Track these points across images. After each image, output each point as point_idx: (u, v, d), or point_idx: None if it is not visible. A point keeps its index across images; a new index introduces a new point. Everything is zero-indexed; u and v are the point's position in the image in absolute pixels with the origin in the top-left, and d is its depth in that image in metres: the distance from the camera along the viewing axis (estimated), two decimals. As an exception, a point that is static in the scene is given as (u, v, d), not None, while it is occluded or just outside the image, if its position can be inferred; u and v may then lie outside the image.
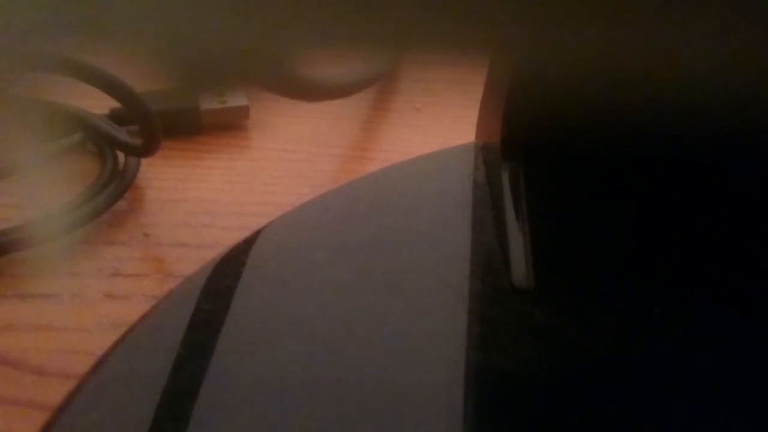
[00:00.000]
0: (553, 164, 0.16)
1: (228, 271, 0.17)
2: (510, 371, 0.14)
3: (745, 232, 0.16)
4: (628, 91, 0.12)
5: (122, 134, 0.25)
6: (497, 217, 0.16)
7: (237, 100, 0.28)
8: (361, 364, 0.14)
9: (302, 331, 0.15)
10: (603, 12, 0.09)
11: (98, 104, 0.26)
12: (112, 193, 0.23)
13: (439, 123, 0.30)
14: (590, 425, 0.13)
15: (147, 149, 0.24)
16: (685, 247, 0.15)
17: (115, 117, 0.26)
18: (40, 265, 0.21)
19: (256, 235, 0.19)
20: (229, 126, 0.28)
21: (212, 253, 0.19)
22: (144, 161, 0.25)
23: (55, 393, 0.16)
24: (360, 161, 0.28)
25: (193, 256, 0.22)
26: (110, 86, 0.22)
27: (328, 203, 0.20)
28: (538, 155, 0.16)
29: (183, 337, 0.15)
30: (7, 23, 0.08)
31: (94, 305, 0.20)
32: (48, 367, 0.18)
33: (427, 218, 0.18)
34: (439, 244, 0.17)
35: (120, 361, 0.16)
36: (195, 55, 0.09)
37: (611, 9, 0.09)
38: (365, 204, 0.19)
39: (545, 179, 0.16)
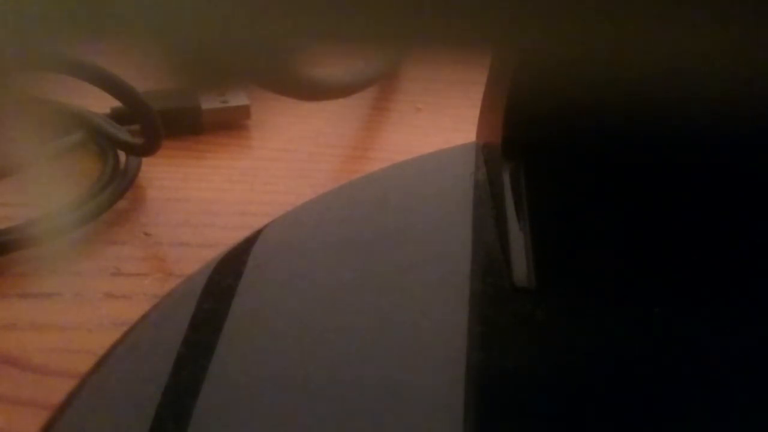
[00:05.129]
0: (554, 164, 0.16)
1: (229, 270, 0.17)
2: (511, 370, 0.14)
3: (745, 232, 0.16)
4: (629, 91, 0.12)
5: (123, 133, 0.25)
6: (498, 217, 0.16)
7: (238, 99, 0.28)
8: (362, 363, 0.14)
9: (303, 331, 0.15)
10: (604, 12, 0.09)
11: (99, 103, 0.26)
12: (113, 193, 0.23)
13: (439, 123, 0.30)
14: (591, 425, 0.13)
15: (148, 148, 0.24)
16: (686, 247, 0.15)
17: (116, 116, 0.26)
18: (42, 264, 0.21)
19: (257, 234, 0.19)
20: (230, 125, 0.28)
21: (213, 253, 0.19)
22: (145, 161, 0.25)
23: (57, 392, 0.16)
24: (361, 161, 0.28)
25: (194, 256, 0.22)
26: (112, 85, 0.22)
27: (328, 203, 0.20)
28: (539, 155, 0.16)
29: (184, 336, 0.15)
30: (9, 22, 0.08)
31: (96, 304, 0.20)
32: (49, 366, 0.18)
33: (427, 218, 0.18)
34: (440, 243, 0.17)
35: (121, 360, 0.16)
36: (196, 54, 0.09)
37: (612, 9, 0.09)
38: (366, 204, 0.19)
39: (546, 179, 0.16)
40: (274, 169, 0.26)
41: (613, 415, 0.13)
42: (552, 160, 0.16)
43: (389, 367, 0.14)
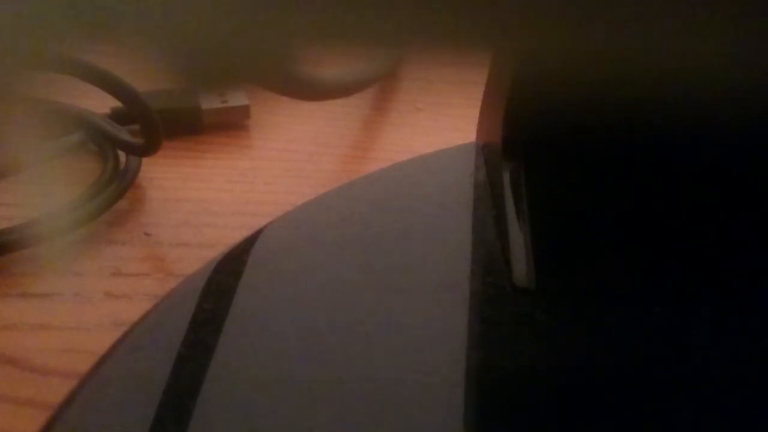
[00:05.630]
0: (553, 164, 0.16)
1: (229, 270, 0.17)
2: (510, 370, 0.14)
3: (745, 231, 0.16)
4: (629, 91, 0.12)
5: (123, 134, 0.25)
6: (498, 217, 0.16)
7: (238, 99, 0.28)
8: (362, 363, 0.14)
9: (303, 331, 0.15)
10: (604, 12, 0.09)
11: (99, 104, 0.26)
12: (113, 193, 0.23)
13: (439, 123, 0.30)
14: (590, 425, 0.13)
15: (148, 149, 0.24)
16: (686, 247, 0.15)
17: (116, 116, 0.26)
18: (42, 264, 0.21)
19: (257, 234, 0.19)
20: (230, 125, 0.28)
21: (213, 253, 0.19)
22: (145, 161, 0.25)
23: (56, 392, 0.16)
24: (361, 161, 0.28)
25: (194, 256, 0.22)
26: (111, 86, 0.22)
27: (328, 203, 0.20)
28: (539, 155, 0.16)
29: (184, 336, 0.15)
30: (10, 22, 0.08)
31: (96, 304, 0.20)
32: (49, 366, 0.18)
33: (428, 218, 0.18)
34: (440, 243, 0.17)
35: (121, 360, 0.16)
36: (197, 54, 0.09)
37: (612, 9, 0.09)
38: (366, 204, 0.19)
39: (546, 179, 0.16)
40: (274, 169, 0.26)
41: (613, 415, 0.13)
42: (552, 160, 0.16)
43: (389, 367, 0.14)
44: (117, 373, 0.16)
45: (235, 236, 0.19)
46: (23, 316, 0.20)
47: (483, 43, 0.09)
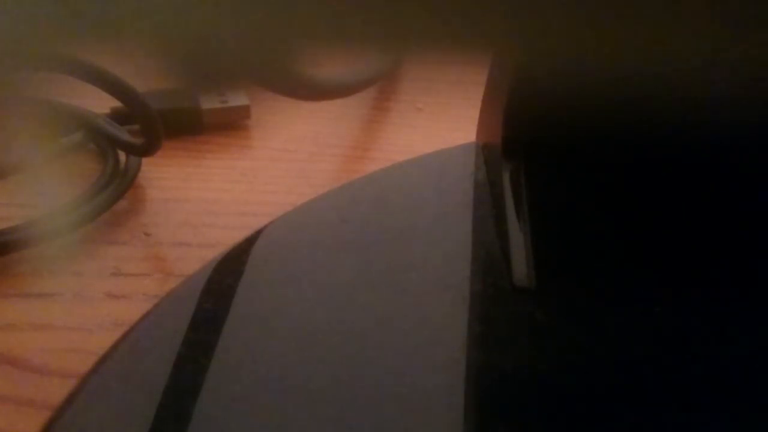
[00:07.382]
0: (554, 164, 0.16)
1: (229, 270, 0.17)
2: (510, 371, 0.14)
3: (745, 231, 0.16)
4: (629, 91, 0.12)
5: (123, 134, 0.25)
6: (498, 217, 0.16)
7: (238, 99, 0.28)
8: (362, 363, 0.14)
9: (303, 331, 0.15)
10: (604, 12, 0.09)
11: (99, 103, 0.26)
12: (114, 193, 0.23)
13: (439, 123, 0.30)
14: (590, 425, 0.13)
15: (148, 149, 0.24)
16: (686, 247, 0.15)
17: (116, 116, 0.26)
18: (42, 265, 0.21)
19: (257, 234, 0.19)
20: (231, 125, 0.28)
21: (213, 253, 0.19)
22: (145, 161, 0.25)
23: (57, 392, 0.16)
24: (361, 161, 0.28)
25: (195, 256, 0.22)
26: (112, 85, 0.22)
27: (329, 203, 0.20)
28: (539, 155, 0.16)
29: (184, 336, 0.15)
30: (10, 22, 0.08)
31: (96, 304, 0.20)
32: (49, 366, 0.18)
33: (428, 218, 0.18)
34: (440, 243, 0.17)
35: (121, 360, 0.16)
36: (197, 54, 0.09)
37: (612, 9, 0.09)
38: (366, 204, 0.19)
39: (546, 179, 0.16)
40: (274, 169, 0.26)
41: (613, 415, 0.13)
42: (552, 160, 0.16)
43: (389, 367, 0.14)
44: (117, 373, 0.16)
45: (235, 236, 0.19)
46: (23, 316, 0.20)
47: (483, 43, 0.09)
